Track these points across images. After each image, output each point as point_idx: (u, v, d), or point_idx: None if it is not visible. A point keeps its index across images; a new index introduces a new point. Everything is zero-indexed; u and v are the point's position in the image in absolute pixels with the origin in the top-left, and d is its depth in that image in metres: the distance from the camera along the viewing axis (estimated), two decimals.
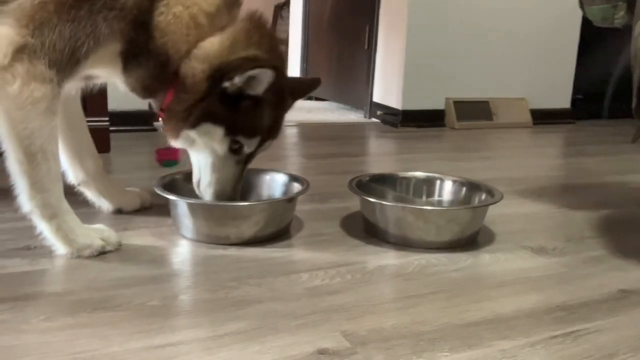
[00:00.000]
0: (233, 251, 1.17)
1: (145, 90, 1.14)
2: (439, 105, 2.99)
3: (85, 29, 0.99)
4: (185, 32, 1.09)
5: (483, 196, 1.35)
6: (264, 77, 1.08)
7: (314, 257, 1.17)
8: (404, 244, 1.23)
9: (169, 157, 1.25)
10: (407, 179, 1.48)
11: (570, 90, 3.45)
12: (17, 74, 0.97)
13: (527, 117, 3.28)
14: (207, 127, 1.12)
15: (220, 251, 1.17)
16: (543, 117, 3.32)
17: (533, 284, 1.10)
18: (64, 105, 1.25)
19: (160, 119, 1.19)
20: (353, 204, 1.50)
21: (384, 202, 1.30)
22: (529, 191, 1.78)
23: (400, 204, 1.32)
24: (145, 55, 1.08)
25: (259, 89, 1.10)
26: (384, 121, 3.03)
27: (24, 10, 0.96)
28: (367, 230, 1.31)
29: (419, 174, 1.50)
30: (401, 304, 0.99)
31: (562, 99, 3.44)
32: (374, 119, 3.13)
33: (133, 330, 0.85)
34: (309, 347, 0.83)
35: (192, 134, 1.13)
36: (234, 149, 1.16)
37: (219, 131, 1.13)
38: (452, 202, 1.43)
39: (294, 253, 1.19)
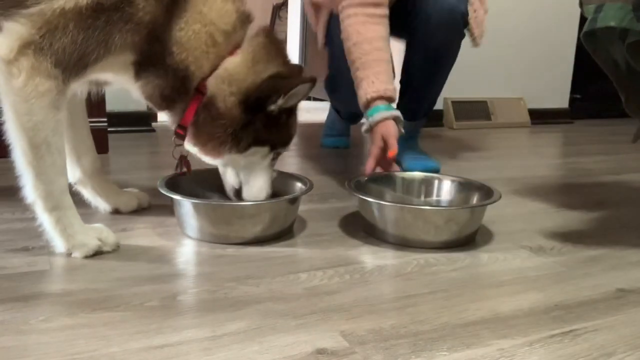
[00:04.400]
0: (231, 251, 1.18)
1: (164, 101, 1.16)
2: (437, 105, 2.97)
3: (98, 38, 1.01)
4: (205, 49, 1.12)
5: (481, 196, 1.35)
6: (304, 90, 1.17)
7: (312, 257, 1.17)
8: (403, 244, 1.23)
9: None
10: (405, 179, 1.48)
11: (569, 90, 3.45)
12: (22, 68, 0.99)
13: (525, 117, 3.29)
14: (254, 149, 1.20)
15: (219, 251, 1.17)
16: (541, 117, 3.32)
17: (531, 283, 1.10)
18: (68, 104, 1.26)
19: (177, 134, 1.21)
20: (352, 204, 1.50)
21: (382, 202, 1.31)
22: (527, 191, 1.78)
23: (398, 204, 1.32)
24: (162, 67, 1.10)
25: (294, 101, 1.19)
26: None
27: (44, 15, 0.98)
28: (365, 230, 1.31)
29: (417, 174, 1.50)
30: (400, 303, 0.99)
31: (560, 99, 3.45)
32: None
33: (132, 331, 0.85)
34: (308, 347, 0.83)
35: (239, 157, 1.20)
36: (274, 158, 1.27)
37: (265, 149, 1.22)
38: (451, 202, 1.43)
39: (293, 253, 1.19)
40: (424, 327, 0.90)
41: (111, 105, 2.09)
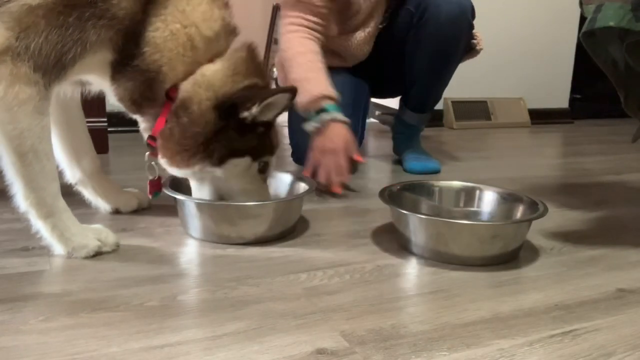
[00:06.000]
0: (231, 251, 1.18)
1: (133, 104, 1.13)
2: (437, 105, 2.99)
3: (72, 36, 0.99)
4: (181, 52, 1.09)
5: (526, 208, 1.27)
6: (282, 100, 1.13)
7: (312, 257, 1.17)
8: (439, 259, 1.15)
9: (157, 189, 1.29)
10: (442, 188, 1.40)
11: (569, 90, 3.45)
12: (0, 76, 0.96)
13: (525, 117, 3.29)
14: (234, 161, 1.16)
15: (219, 251, 1.17)
16: (541, 117, 3.33)
17: (531, 283, 1.10)
18: (63, 104, 1.26)
19: (148, 145, 1.20)
20: (351, 204, 1.50)
21: (428, 216, 1.23)
22: (527, 191, 1.78)
23: (437, 218, 1.24)
24: (133, 68, 1.07)
25: (273, 113, 1.15)
26: (382, 121, 3.03)
27: (12, 14, 0.95)
28: (400, 244, 1.24)
29: (456, 183, 1.41)
30: (400, 303, 0.99)
31: (560, 99, 3.45)
32: (372, 119, 3.13)
33: (132, 331, 0.85)
34: (308, 347, 0.83)
35: (217, 171, 1.16)
36: (261, 169, 1.21)
37: (246, 161, 1.17)
38: (491, 213, 1.35)
39: (293, 253, 1.19)
40: (423, 327, 0.90)
41: (111, 105, 2.08)
